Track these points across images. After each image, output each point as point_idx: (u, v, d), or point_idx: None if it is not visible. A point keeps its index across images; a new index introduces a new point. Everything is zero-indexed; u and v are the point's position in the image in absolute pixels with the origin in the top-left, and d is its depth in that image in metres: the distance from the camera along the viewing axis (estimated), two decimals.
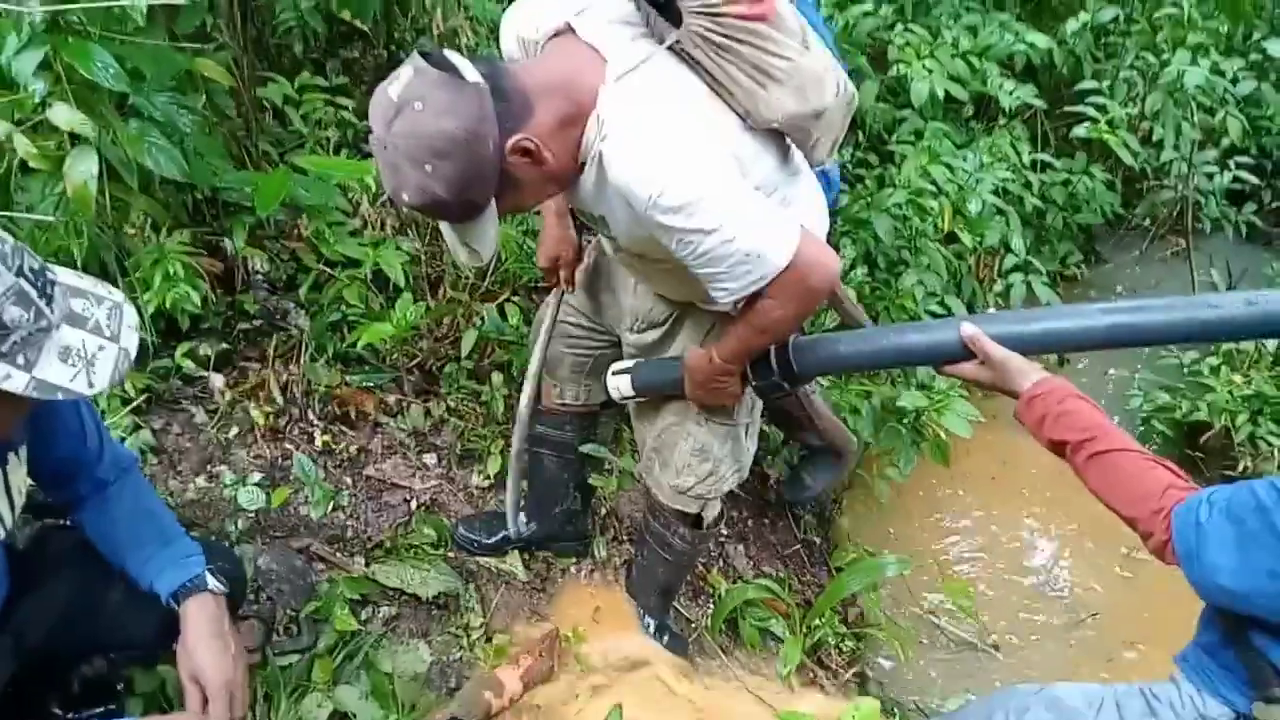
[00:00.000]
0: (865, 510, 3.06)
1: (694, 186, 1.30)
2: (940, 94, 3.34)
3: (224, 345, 2.34)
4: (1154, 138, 4.07)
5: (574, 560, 2.44)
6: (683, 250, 1.37)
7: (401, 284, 2.33)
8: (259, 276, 2.47)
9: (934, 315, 3.27)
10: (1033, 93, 3.65)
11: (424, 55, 1.23)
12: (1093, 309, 1.40)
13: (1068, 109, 3.90)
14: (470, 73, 1.23)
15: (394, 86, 1.22)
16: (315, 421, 2.38)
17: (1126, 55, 4.12)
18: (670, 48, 1.36)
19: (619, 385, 1.85)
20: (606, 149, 1.32)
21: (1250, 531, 1.10)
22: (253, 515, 2.13)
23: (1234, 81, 4.07)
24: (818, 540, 2.95)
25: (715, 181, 1.33)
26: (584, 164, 1.39)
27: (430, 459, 2.49)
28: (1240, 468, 3.30)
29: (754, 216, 1.36)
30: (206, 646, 1.34)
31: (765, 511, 2.90)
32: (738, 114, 1.41)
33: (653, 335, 1.85)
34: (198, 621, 1.36)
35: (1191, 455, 3.53)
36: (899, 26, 3.54)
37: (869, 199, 3.22)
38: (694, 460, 1.88)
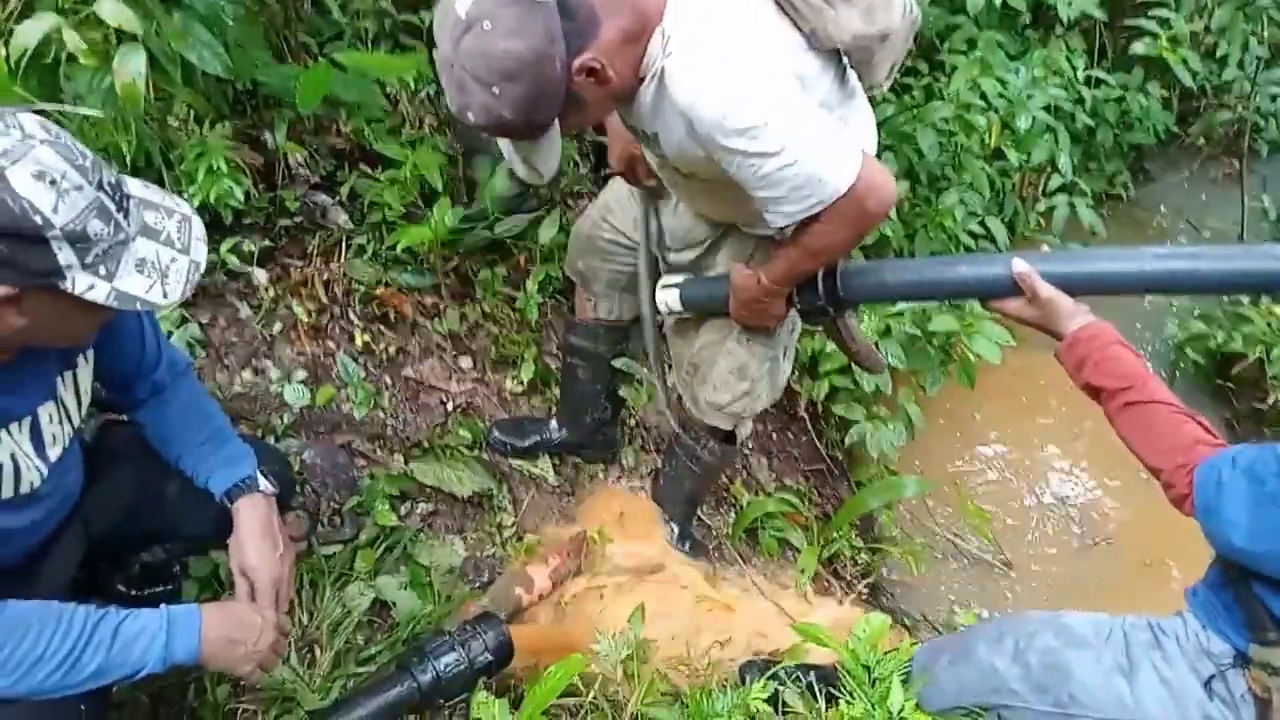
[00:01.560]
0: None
1: (761, 109, 1.29)
2: (997, 1, 3.20)
3: (266, 241, 2.36)
4: (1218, 53, 3.89)
5: (602, 467, 2.51)
6: (744, 173, 1.36)
7: (439, 188, 2.33)
8: (302, 171, 2.47)
9: (974, 235, 3.24)
10: (1094, 2, 3.48)
11: None
12: (1147, 253, 1.38)
13: (1129, 22, 3.73)
14: None
15: (461, 2, 1.20)
16: (355, 321, 2.42)
17: None
18: None
19: (668, 299, 1.86)
20: (671, 66, 1.31)
21: (1270, 493, 1.12)
22: (297, 412, 2.20)
23: None
24: (840, 456, 3.00)
25: (781, 104, 1.32)
26: (643, 79, 1.37)
27: (466, 362, 2.54)
28: (1270, 400, 3.30)
29: (818, 140, 1.35)
30: (256, 545, 1.41)
31: (790, 425, 2.95)
32: (803, 33, 1.39)
33: (690, 254, 1.86)
34: (249, 520, 1.43)
35: (1223, 385, 3.54)
36: None
37: (915, 110, 3.14)
38: (732, 378, 1.90)
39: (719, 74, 1.29)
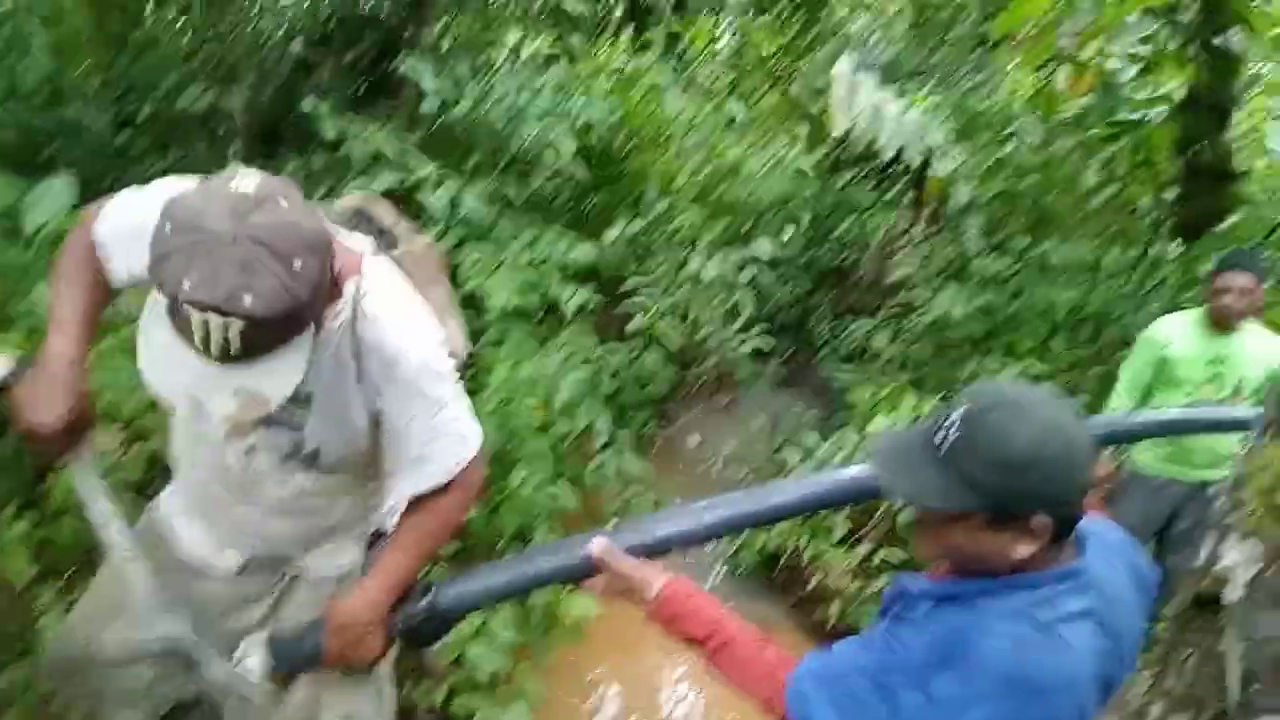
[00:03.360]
0: None
1: (446, 358, 1.43)
2: (514, 303, 3.69)
3: None
4: (689, 317, 4.88)
5: None
6: (417, 423, 1.40)
7: None
8: None
9: (551, 500, 3.49)
10: (590, 292, 4.19)
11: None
12: (697, 508, 1.59)
13: (623, 300, 4.54)
14: None
15: (244, 183, 1.16)
16: None
17: (657, 256, 4.94)
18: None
19: (249, 668, 1.56)
20: (370, 307, 1.36)
21: (838, 695, 1.26)
22: None
23: (740, 268, 5.07)
24: None
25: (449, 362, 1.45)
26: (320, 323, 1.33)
27: None
28: (812, 583, 3.91)
29: (462, 402, 1.48)
30: None
31: None
32: None
33: (256, 613, 1.63)
34: None
35: (777, 579, 4.11)
36: (467, 246, 3.89)
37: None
38: None
39: (420, 319, 1.42)
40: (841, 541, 3.98)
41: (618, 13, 6.56)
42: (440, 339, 1.45)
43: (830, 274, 6.93)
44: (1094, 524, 1.33)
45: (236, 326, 1.12)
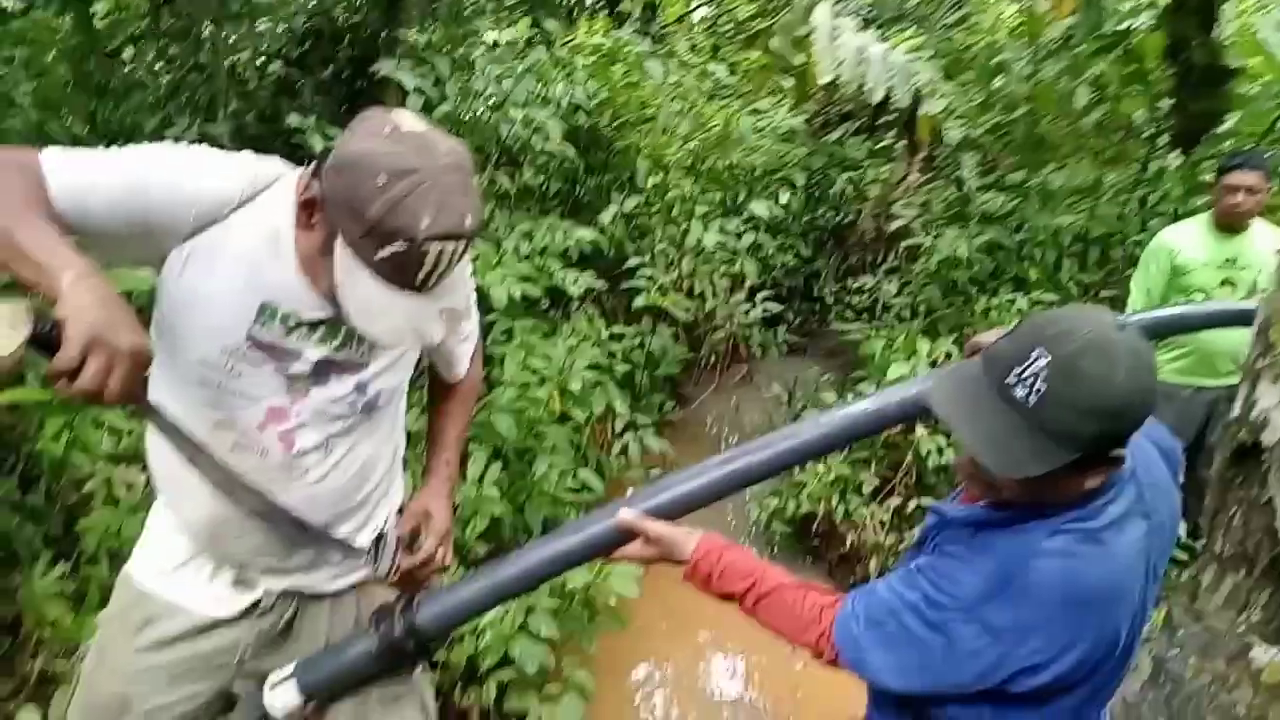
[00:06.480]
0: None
1: None
2: (517, 295, 3.66)
3: None
4: (695, 290, 4.83)
5: None
6: (467, 317, 1.55)
7: None
8: None
9: (573, 490, 3.46)
10: (592, 277, 4.15)
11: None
12: (714, 463, 1.55)
13: (625, 284, 4.50)
14: None
15: (411, 120, 1.20)
16: None
17: (656, 232, 4.89)
18: None
19: (284, 701, 1.48)
20: None
21: (890, 634, 1.24)
22: None
23: (738, 236, 5.02)
24: None
25: None
26: None
27: None
28: (848, 542, 3.88)
29: None
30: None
31: None
32: None
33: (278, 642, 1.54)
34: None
35: (811, 545, 4.08)
36: None
37: (483, 400, 3.37)
38: None
39: None
40: (872, 496, 3.95)
41: None
42: None
43: (830, 235, 6.88)
44: None
45: (462, 248, 1.19)
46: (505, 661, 2.60)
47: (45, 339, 1.02)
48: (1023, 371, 1.09)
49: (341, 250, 1.19)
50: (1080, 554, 1.15)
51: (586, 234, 4.15)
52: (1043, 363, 1.08)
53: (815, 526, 4.05)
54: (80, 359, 1.00)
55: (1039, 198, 5.21)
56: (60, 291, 1.01)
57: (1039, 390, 1.08)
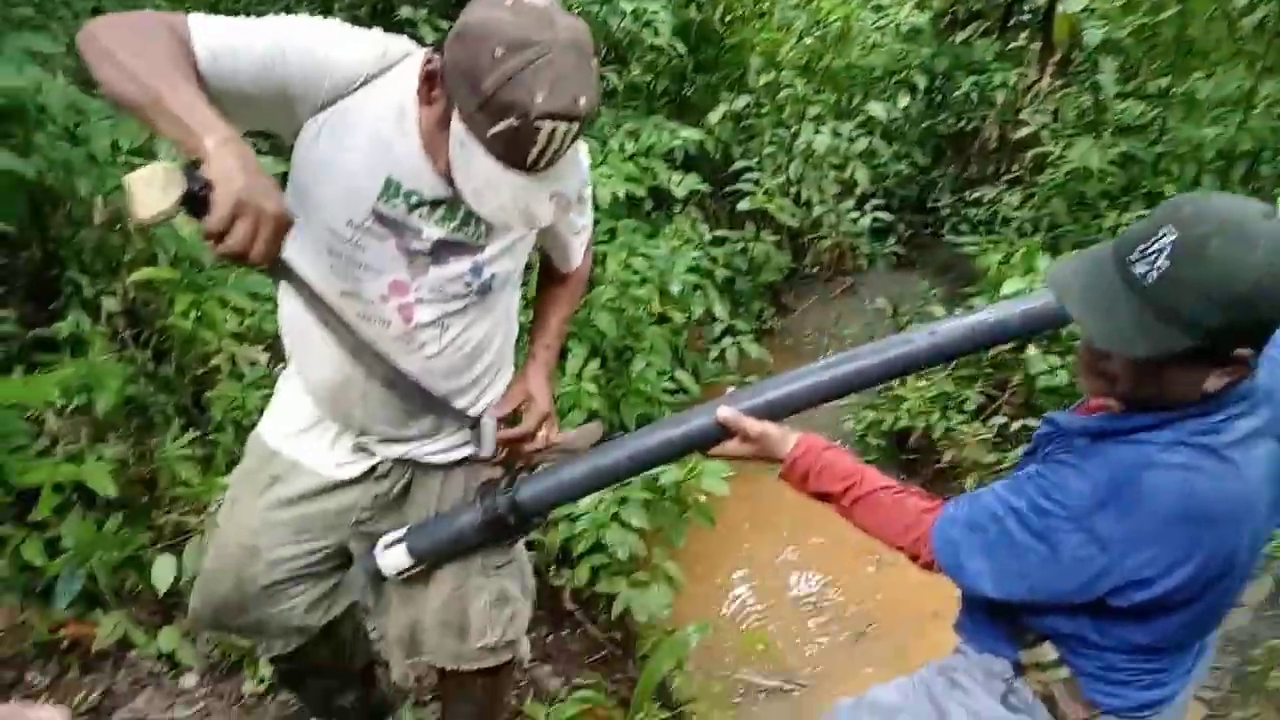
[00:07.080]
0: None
1: None
2: (621, 194, 3.63)
3: None
4: (803, 198, 4.69)
5: None
6: (581, 210, 1.55)
7: (113, 494, 2.10)
8: None
9: (669, 391, 3.49)
10: (697, 180, 4.08)
11: None
12: (817, 367, 1.52)
13: (729, 189, 4.41)
14: None
15: None
16: (37, 679, 2.04)
17: (764, 134, 4.74)
18: None
19: (393, 562, 1.58)
20: None
21: (991, 540, 1.22)
22: None
23: (851, 140, 4.82)
24: (619, 636, 2.97)
25: None
26: None
27: (189, 680, 2.22)
28: (947, 458, 3.81)
29: None
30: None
31: (561, 623, 2.88)
32: None
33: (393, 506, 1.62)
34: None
35: (906, 459, 4.03)
36: None
37: (584, 299, 3.40)
38: (495, 612, 1.70)
39: None
40: (974, 415, 3.84)
41: None
42: None
43: (949, 143, 6.51)
44: None
45: (575, 129, 1.16)
46: (598, 548, 2.69)
47: (194, 199, 1.07)
48: (1147, 248, 1.02)
49: (457, 124, 1.19)
50: (1202, 468, 1.09)
51: (693, 134, 4.06)
52: (1169, 239, 1.00)
53: (911, 441, 3.98)
54: (229, 221, 1.04)
55: (1182, 107, 4.79)
56: (206, 153, 1.05)
57: (1160, 268, 1.01)
